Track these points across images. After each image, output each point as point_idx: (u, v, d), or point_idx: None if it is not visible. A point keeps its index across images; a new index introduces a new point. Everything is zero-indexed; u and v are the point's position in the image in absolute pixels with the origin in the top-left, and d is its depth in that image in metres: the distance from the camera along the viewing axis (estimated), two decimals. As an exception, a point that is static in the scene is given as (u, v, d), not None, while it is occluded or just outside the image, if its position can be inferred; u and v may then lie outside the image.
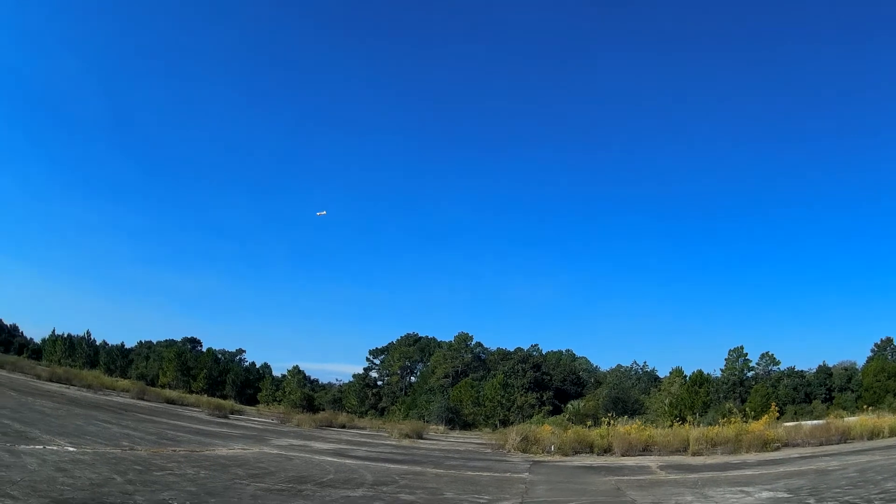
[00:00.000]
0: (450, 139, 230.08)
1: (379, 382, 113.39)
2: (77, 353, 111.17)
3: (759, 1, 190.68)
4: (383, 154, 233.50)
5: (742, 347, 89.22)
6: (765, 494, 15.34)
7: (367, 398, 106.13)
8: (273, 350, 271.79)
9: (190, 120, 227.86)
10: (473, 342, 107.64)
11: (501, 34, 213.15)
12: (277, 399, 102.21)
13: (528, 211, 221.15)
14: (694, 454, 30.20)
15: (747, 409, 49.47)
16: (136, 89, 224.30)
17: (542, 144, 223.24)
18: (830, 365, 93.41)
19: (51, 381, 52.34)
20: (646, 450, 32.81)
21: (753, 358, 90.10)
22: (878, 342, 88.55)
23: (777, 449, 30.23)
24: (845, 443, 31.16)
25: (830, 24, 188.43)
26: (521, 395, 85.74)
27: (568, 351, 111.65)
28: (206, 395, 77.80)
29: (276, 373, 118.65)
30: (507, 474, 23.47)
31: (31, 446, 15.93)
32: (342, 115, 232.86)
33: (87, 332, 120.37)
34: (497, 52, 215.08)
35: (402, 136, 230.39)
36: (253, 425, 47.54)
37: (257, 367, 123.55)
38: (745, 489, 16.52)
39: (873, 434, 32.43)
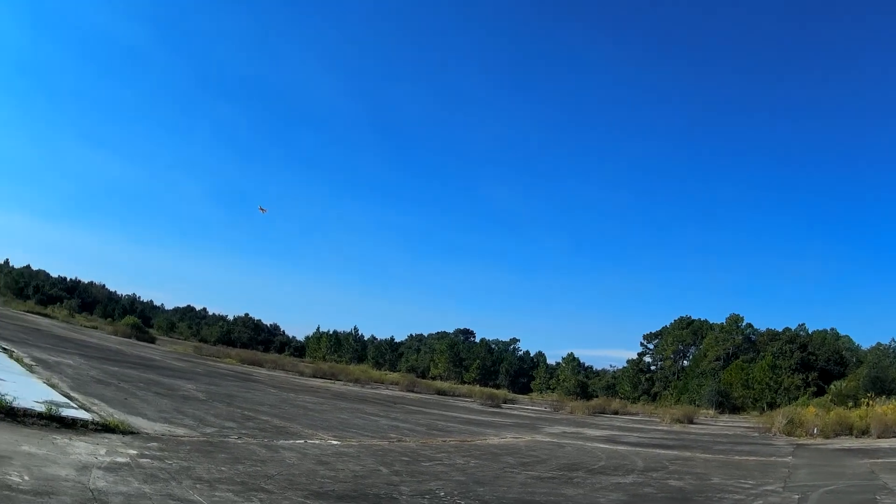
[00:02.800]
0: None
1: (652, 367, 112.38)
2: (343, 348, 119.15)
3: None
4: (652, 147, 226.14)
5: None
6: None
7: (639, 383, 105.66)
8: (547, 338, 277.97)
9: (454, 117, 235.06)
10: (744, 323, 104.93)
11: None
12: (551, 387, 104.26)
13: (804, 192, 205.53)
14: (949, 435, 31.58)
15: None
16: (397, 91, 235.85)
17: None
18: None
19: (315, 376, 56.17)
20: (903, 431, 34.32)
21: None
22: None
23: None
24: None
25: None
26: (788, 376, 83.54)
27: (832, 330, 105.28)
28: (478, 386, 79.83)
29: (550, 360, 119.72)
30: (772, 458, 24.68)
31: (291, 441, 16.25)
32: (606, 111, 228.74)
33: (355, 328, 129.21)
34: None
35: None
36: (525, 414, 48.74)
37: (531, 355, 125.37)
38: None
39: None
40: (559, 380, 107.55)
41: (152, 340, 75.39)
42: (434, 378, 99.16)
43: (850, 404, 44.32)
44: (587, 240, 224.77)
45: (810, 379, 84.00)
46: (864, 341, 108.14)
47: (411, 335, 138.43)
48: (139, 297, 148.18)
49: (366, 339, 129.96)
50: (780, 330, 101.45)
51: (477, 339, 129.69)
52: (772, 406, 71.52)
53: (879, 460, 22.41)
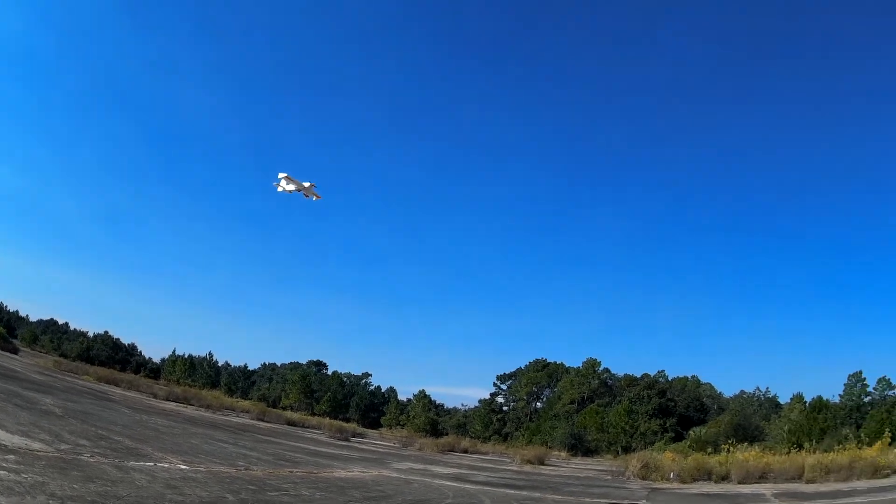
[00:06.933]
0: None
1: (504, 408, 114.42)
2: (198, 373, 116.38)
3: None
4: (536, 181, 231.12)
5: (861, 373, 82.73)
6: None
7: (491, 423, 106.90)
8: (400, 374, 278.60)
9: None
10: (601, 368, 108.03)
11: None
12: (401, 423, 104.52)
13: (661, 242, 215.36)
14: (808, 481, 31.93)
15: (862, 434, 50.36)
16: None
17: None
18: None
19: (168, 399, 54.75)
20: (762, 477, 34.31)
21: (871, 382, 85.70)
22: None
23: (887, 476, 31.34)
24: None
25: None
26: (645, 421, 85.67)
27: (693, 377, 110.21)
28: (328, 418, 79.59)
29: (402, 397, 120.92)
30: (625, 501, 24.94)
31: (142, 463, 16.19)
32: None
33: (209, 353, 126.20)
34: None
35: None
36: (374, 448, 49.01)
37: (382, 390, 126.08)
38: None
39: None
40: (410, 416, 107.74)
41: (15, 351, 72.20)
42: (285, 408, 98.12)
43: (710, 450, 45.28)
44: (441, 280, 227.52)
45: (668, 425, 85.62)
46: (728, 389, 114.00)
47: (264, 364, 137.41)
48: (6, 307, 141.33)
49: (220, 364, 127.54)
50: (639, 376, 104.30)
51: (329, 372, 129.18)
52: (627, 450, 73.20)
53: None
